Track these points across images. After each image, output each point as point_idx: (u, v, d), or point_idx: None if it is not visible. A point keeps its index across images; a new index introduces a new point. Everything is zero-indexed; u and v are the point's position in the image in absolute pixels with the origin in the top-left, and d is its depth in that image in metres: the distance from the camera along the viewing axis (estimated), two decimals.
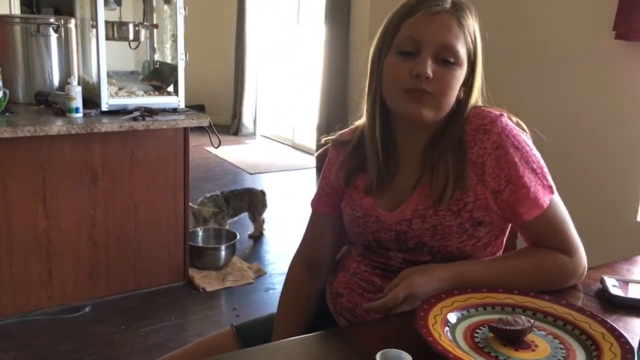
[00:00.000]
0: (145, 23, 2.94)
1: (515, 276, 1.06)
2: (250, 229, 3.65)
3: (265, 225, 3.67)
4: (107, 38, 2.65)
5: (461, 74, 1.06)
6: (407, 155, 1.13)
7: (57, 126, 2.42)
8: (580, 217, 2.65)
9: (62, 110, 2.57)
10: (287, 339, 1.12)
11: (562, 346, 0.90)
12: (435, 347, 0.85)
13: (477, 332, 0.93)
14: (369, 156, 1.13)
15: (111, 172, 2.67)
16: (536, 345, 0.90)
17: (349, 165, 1.18)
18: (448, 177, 1.06)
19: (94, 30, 2.63)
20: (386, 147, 1.12)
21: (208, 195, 3.45)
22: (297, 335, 1.21)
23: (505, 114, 1.10)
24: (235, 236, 3.24)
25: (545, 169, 1.08)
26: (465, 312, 0.97)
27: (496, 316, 0.95)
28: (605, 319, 0.94)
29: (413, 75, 1.02)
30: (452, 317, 0.95)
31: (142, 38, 2.92)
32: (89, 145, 2.58)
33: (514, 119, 1.11)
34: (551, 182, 1.08)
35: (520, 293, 1.02)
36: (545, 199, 1.06)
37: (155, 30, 2.99)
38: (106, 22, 2.62)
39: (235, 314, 2.72)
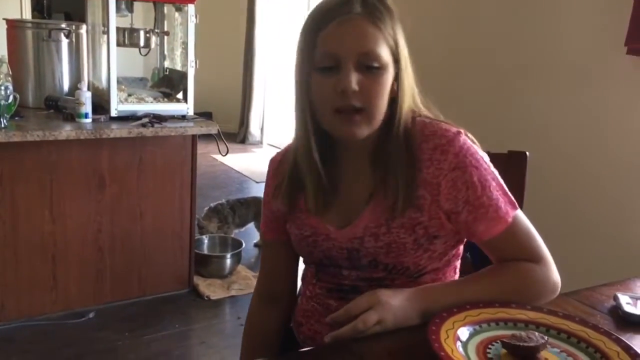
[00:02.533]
0: (156, 30, 2.95)
1: (488, 292, 1.02)
2: (256, 237, 3.64)
3: None
4: (118, 44, 2.67)
5: (388, 77, 1.01)
6: (353, 168, 1.08)
7: (66, 131, 2.42)
8: (594, 233, 2.63)
9: (72, 115, 2.58)
10: (295, 352, 1.10)
11: None
12: None
13: (490, 348, 0.91)
14: (307, 176, 1.07)
15: (118, 178, 2.67)
16: None
17: (289, 189, 1.12)
18: (398, 193, 1.02)
19: (105, 36, 2.65)
20: (326, 163, 1.07)
21: (213, 205, 3.44)
22: None
23: (463, 131, 1.06)
24: (241, 244, 3.23)
25: (505, 187, 1.05)
26: (477, 327, 0.96)
27: (509, 332, 0.94)
28: (620, 337, 0.93)
29: (339, 92, 0.97)
30: (464, 332, 0.94)
31: (153, 45, 2.93)
32: (97, 150, 2.59)
33: (470, 136, 1.07)
34: (513, 199, 1.05)
35: (533, 309, 1.00)
36: (507, 217, 1.03)
37: (165, 37, 3.00)
38: (117, 28, 2.64)
39: (240, 323, 2.70)
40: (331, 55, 0.98)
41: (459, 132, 1.05)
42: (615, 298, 1.10)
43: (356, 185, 1.09)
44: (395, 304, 0.98)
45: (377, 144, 1.07)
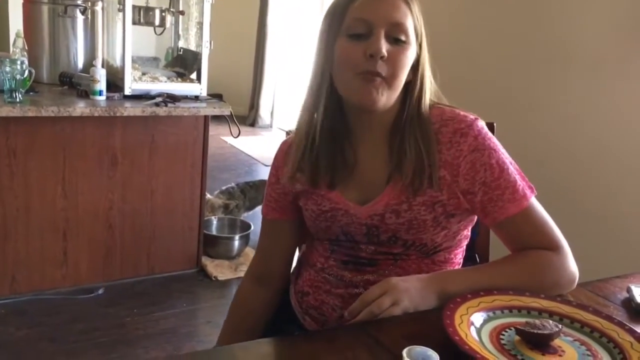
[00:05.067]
0: (172, 9, 2.95)
1: (504, 277, 1.04)
2: None
3: None
4: (134, 22, 2.66)
5: (412, 53, 1.05)
6: (370, 148, 1.10)
7: (81, 108, 2.43)
8: (608, 225, 2.61)
9: (86, 92, 2.59)
10: (312, 332, 1.11)
11: (589, 353, 0.89)
12: (462, 346, 0.84)
13: (503, 334, 0.92)
14: (323, 150, 1.09)
15: (130, 156, 2.68)
16: (563, 351, 0.89)
17: (307, 165, 1.12)
18: (415, 175, 1.05)
19: (121, 13, 2.64)
20: (341, 138, 1.10)
21: (224, 187, 3.46)
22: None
23: (479, 118, 1.10)
24: (250, 227, 3.25)
25: (522, 173, 1.09)
26: (491, 314, 0.96)
27: (522, 319, 0.94)
28: (634, 328, 0.93)
29: (367, 56, 1.00)
30: (478, 318, 0.95)
31: (168, 24, 2.92)
32: (111, 128, 2.60)
33: (484, 123, 1.11)
34: (531, 184, 1.08)
35: (546, 297, 1.01)
36: (524, 199, 1.05)
37: (180, 16, 2.99)
38: (133, 7, 2.63)
39: None
40: (364, 21, 1.02)
41: (476, 118, 1.10)
42: (629, 290, 1.10)
43: (375, 164, 1.10)
44: (409, 285, 0.99)
45: (393, 124, 1.10)
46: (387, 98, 1.04)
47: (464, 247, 1.19)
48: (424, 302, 0.99)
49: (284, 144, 1.22)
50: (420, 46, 1.07)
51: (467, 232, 1.17)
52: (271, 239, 1.27)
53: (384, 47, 1.01)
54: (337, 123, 1.09)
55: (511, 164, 1.08)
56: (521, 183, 1.07)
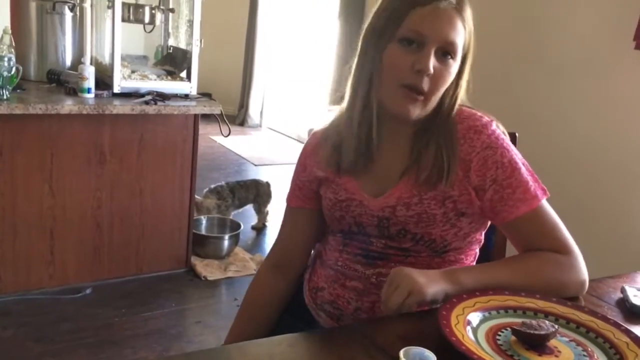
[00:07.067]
0: (162, 7, 2.92)
1: (512, 276, 1.04)
2: (254, 220, 3.64)
3: (268, 217, 3.65)
4: (123, 20, 2.63)
5: (455, 68, 1.07)
6: (394, 141, 1.12)
7: (69, 105, 2.40)
8: (601, 227, 2.63)
9: (74, 90, 2.55)
10: (308, 332, 1.11)
11: (585, 353, 0.89)
12: (458, 347, 0.84)
13: (500, 335, 0.92)
14: (354, 137, 1.11)
15: (119, 155, 2.65)
16: (559, 351, 0.89)
17: (339, 153, 1.14)
18: (432, 167, 1.07)
19: (110, 11, 2.61)
20: (370, 134, 1.11)
21: (212, 186, 3.43)
22: (249, 333, 1.25)
23: (494, 121, 1.11)
24: (239, 226, 3.23)
25: (534, 174, 1.10)
26: (487, 314, 0.96)
27: (518, 320, 0.94)
28: (629, 328, 0.93)
29: (414, 71, 1.02)
30: (474, 318, 0.94)
31: (158, 22, 2.89)
32: (99, 126, 2.56)
33: (502, 127, 1.12)
34: (543, 186, 1.09)
35: (542, 298, 1.00)
36: (535, 199, 1.06)
37: (170, 14, 2.97)
38: (122, 4, 2.60)
39: (236, 304, 2.70)
40: (419, 34, 1.02)
41: (491, 120, 1.12)
42: (623, 290, 1.11)
43: (394, 157, 1.12)
44: (415, 272, 0.99)
45: (422, 124, 1.10)
46: (423, 111, 1.07)
47: (476, 251, 1.19)
48: (430, 278, 0.99)
49: (313, 136, 1.23)
50: (464, 57, 1.08)
51: (480, 237, 1.17)
52: (293, 227, 1.28)
53: (432, 64, 1.02)
54: (371, 120, 1.10)
55: (524, 164, 1.09)
56: (533, 184, 1.08)
